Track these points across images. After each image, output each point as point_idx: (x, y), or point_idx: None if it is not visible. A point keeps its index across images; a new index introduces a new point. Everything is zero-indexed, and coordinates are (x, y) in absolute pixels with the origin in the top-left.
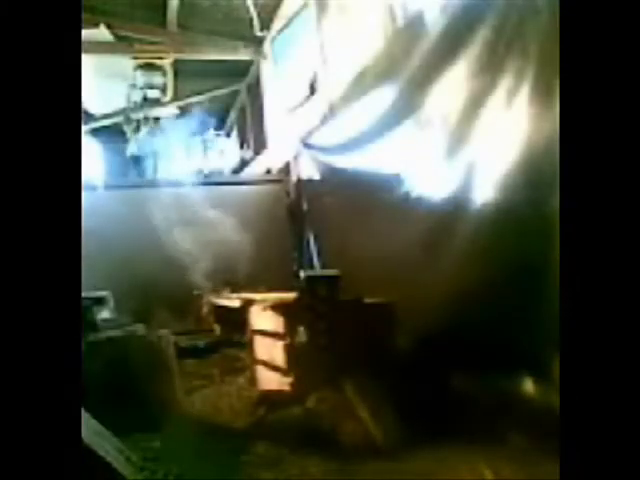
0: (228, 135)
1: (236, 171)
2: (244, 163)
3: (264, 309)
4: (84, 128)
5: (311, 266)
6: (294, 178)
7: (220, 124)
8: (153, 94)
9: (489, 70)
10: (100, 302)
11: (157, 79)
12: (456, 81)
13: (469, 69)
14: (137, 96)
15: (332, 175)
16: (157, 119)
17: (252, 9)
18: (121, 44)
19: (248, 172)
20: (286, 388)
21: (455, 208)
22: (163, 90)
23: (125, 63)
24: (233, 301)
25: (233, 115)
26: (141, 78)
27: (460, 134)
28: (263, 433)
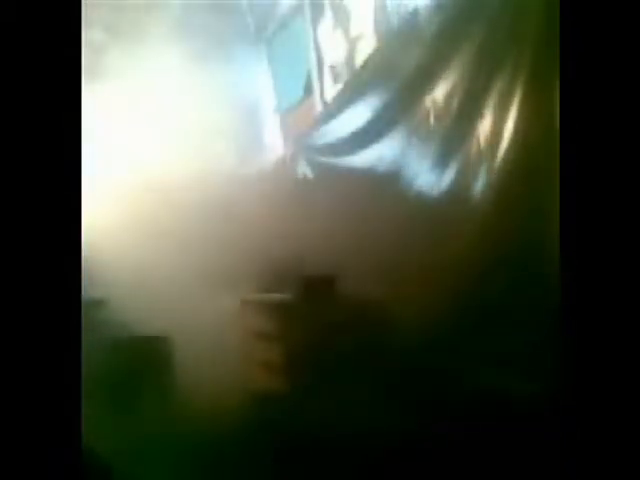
0: None
1: None
2: None
3: (262, 309)
4: None
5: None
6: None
7: None
8: None
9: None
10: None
11: None
12: (452, 80)
13: (465, 67)
14: None
15: (329, 175)
16: None
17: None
18: None
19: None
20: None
21: (453, 206)
22: None
23: None
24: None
25: None
26: None
27: (457, 132)
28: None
